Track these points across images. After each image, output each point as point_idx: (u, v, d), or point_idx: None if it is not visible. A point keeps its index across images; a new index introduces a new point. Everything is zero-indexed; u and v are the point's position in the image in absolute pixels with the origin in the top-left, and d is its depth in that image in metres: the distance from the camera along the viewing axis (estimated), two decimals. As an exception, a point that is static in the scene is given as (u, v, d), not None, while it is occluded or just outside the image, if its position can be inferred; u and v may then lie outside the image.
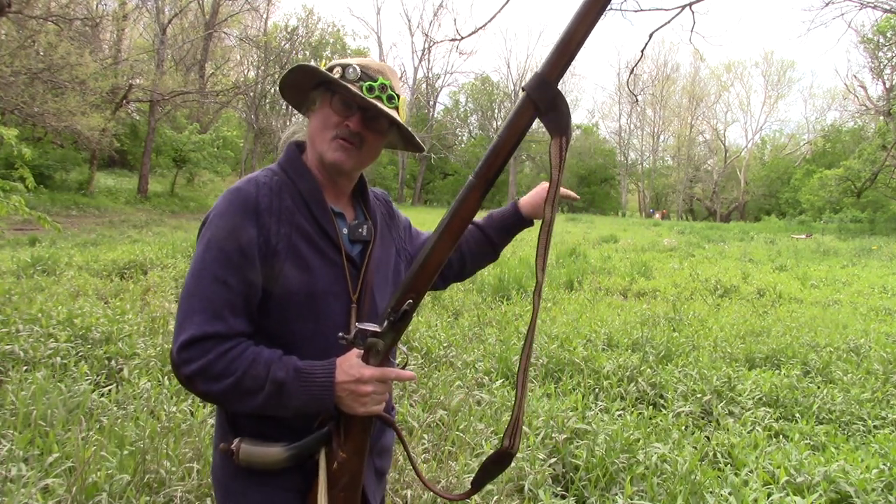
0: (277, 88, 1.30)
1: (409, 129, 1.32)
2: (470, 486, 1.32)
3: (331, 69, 1.26)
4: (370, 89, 1.24)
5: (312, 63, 1.27)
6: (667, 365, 4.90)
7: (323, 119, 1.27)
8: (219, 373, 1.11)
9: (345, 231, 1.31)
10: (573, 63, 1.06)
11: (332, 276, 1.25)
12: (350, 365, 1.16)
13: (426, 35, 47.80)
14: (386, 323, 1.18)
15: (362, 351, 1.18)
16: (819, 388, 4.55)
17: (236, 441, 1.19)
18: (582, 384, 4.41)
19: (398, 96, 1.30)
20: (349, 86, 1.22)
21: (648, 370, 4.66)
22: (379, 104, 1.23)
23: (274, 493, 1.23)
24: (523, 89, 1.06)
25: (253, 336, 1.19)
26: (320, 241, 1.25)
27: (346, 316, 1.26)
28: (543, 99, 1.04)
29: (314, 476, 1.22)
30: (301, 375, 1.14)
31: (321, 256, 1.24)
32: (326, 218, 1.26)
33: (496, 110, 55.71)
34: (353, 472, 1.21)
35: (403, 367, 1.26)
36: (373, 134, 1.28)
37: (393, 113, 1.26)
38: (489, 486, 2.81)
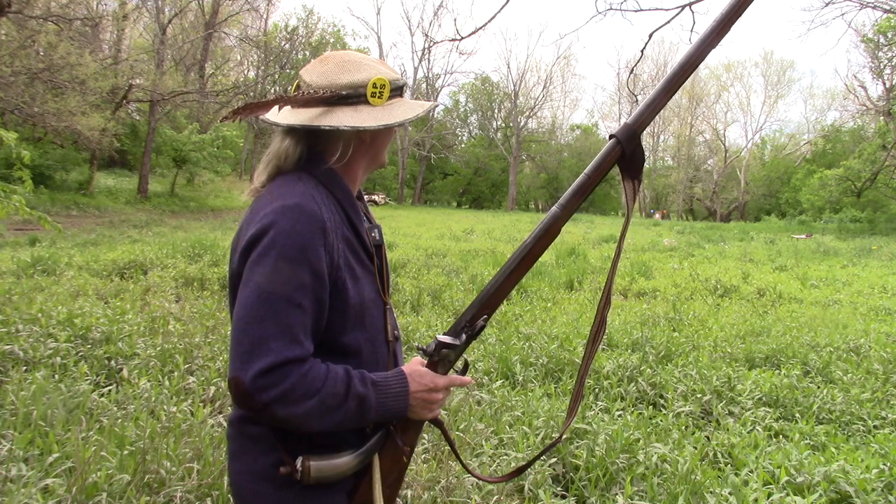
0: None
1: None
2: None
3: (400, 89, 1.29)
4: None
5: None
6: (667, 365, 4.90)
7: (388, 136, 1.34)
8: (301, 395, 1.10)
9: None
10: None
11: (370, 282, 1.27)
12: (421, 375, 1.23)
13: (426, 35, 47.74)
14: (464, 337, 1.26)
15: (425, 360, 1.27)
16: (819, 388, 4.55)
17: (301, 460, 1.17)
18: (582, 384, 4.41)
19: None
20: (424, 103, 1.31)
21: (648, 370, 4.66)
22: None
23: (326, 497, 1.22)
24: (613, 136, 1.23)
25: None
26: (359, 250, 1.26)
27: (384, 319, 1.30)
28: (630, 146, 1.22)
29: (360, 476, 1.25)
30: (378, 388, 1.17)
31: (362, 265, 1.26)
32: (363, 227, 1.28)
33: (496, 110, 55.67)
34: (400, 470, 1.28)
35: (463, 373, 1.34)
36: None
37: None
38: (489, 487, 2.81)
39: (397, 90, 1.26)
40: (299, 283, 1.12)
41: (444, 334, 1.28)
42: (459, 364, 1.33)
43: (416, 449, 3.10)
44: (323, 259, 1.15)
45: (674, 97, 1.32)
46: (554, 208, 1.24)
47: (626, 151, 1.21)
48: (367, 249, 1.28)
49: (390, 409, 1.19)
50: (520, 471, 1.43)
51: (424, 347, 1.27)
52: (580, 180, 1.23)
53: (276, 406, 1.08)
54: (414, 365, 1.25)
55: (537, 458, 1.40)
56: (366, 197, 1.44)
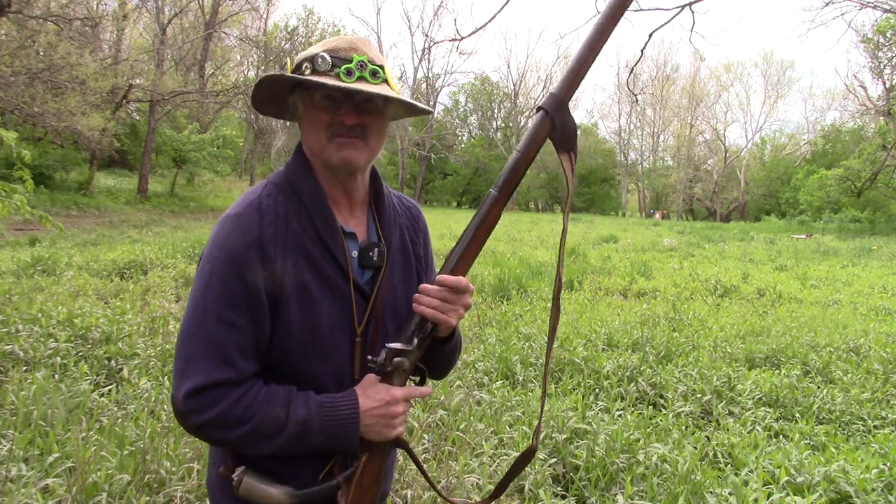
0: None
1: (407, 98, 1.20)
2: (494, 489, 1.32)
3: (299, 67, 1.13)
4: (348, 73, 1.09)
5: (278, 70, 1.22)
6: (667, 365, 4.90)
7: (313, 122, 1.14)
8: (235, 420, 1.03)
9: (354, 254, 1.18)
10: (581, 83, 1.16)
11: (338, 308, 1.14)
12: (375, 390, 1.11)
13: (426, 35, 47.75)
14: (415, 340, 1.14)
15: (379, 376, 1.13)
16: (819, 388, 4.55)
17: (239, 471, 1.10)
18: (582, 384, 4.41)
19: (382, 67, 1.14)
20: (324, 80, 1.08)
21: (648, 370, 4.66)
22: (364, 86, 1.09)
23: None
24: (540, 108, 1.15)
25: (261, 374, 1.11)
26: (328, 268, 1.14)
27: (350, 350, 1.16)
28: (559, 116, 1.13)
29: None
30: (324, 409, 1.08)
31: (328, 287, 1.13)
32: (336, 242, 1.15)
33: (496, 110, 55.73)
34: (370, 501, 1.17)
35: (422, 383, 1.23)
36: (371, 117, 1.15)
37: (382, 89, 1.11)
38: (489, 486, 2.81)
39: (308, 60, 1.12)
40: (230, 300, 1.05)
41: (394, 341, 1.15)
42: (417, 377, 1.23)
43: (416, 450, 3.11)
44: (259, 275, 1.06)
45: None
46: (491, 190, 1.14)
47: (557, 123, 1.13)
48: (341, 268, 1.14)
49: (338, 435, 1.08)
50: (495, 495, 1.31)
51: (375, 359, 1.13)
52: (514, 157, 1.14)
53: (208, 430, 1.05)
54: (368, 381, 1.12)
55: (509, 479, 1.28)
56: None
